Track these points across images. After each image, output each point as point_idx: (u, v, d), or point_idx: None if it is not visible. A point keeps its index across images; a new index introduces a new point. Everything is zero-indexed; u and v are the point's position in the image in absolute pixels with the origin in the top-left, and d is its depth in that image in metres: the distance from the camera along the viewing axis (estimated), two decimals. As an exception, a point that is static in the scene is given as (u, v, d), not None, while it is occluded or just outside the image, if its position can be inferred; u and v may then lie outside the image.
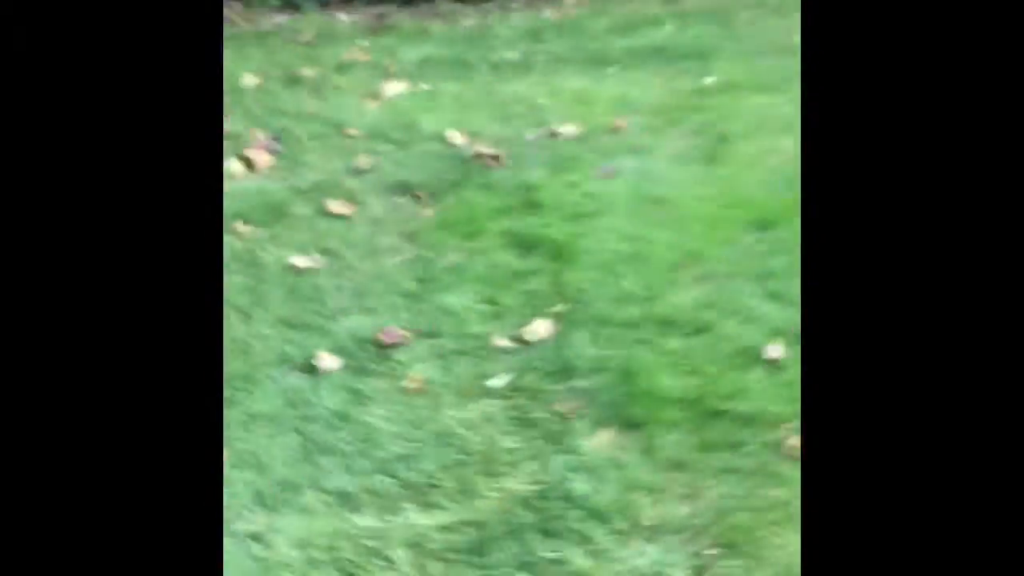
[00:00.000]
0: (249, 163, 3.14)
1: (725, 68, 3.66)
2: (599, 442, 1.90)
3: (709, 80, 3.57)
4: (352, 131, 3.36)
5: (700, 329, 2.20)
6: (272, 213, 2.83)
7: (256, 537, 1.71)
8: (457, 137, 3.26)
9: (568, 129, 3.26)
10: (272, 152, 3.23)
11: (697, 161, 2.98)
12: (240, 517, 1.75)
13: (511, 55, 4.01)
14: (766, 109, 3.29)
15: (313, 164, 3.15)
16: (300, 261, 2.57)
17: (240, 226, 2.75)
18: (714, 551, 1.64)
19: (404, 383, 2.09)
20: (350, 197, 2.91)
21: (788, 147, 3.01)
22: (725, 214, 2.66)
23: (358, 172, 3.07)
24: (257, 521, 1.74)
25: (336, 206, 2.85)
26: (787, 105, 3.30)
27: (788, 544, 1.63)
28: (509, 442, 1.91)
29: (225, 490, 1.79)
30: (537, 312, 2.30)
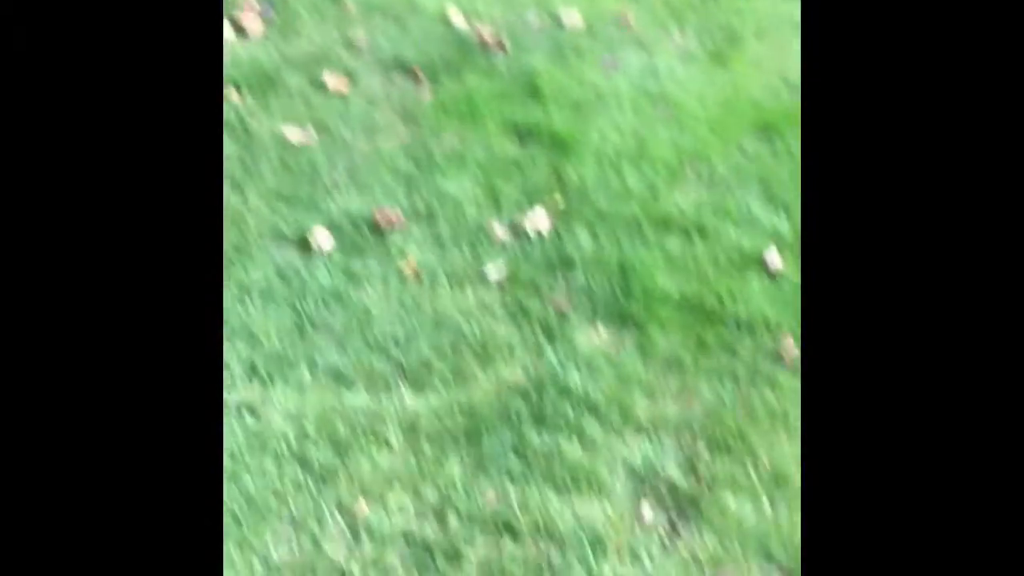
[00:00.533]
0: (240, 29, 3.01)
1: (736, -34, 3.55)
2: (594, 337, 1.90)
3: (719, -23, 3.46)
4: (347, 2, 3.23)
5: (700, 231, 2.18)
6: (264, 82, 2.73)
7: (249, 408, 1.70)
8: (457, 16, 3.14)
9: (572, 17, 3.16)
10: (264, 18, 3.10)
11: (703, 60, 2.91)
12: (233, 388, 1.73)
13: (515, -65, 3.85)
14: (775, 11, 3.20)
15: (307, 34, 3.03)
16: (293, 134, 2.50)
17: (232, 93, 2.66)
18: (705, 450, 1.66)
19: (399, 265, 2.06)
20: (345, 71, 2.81)
21: (797, 51, 2.94)
22: (729, 116, 2.61)
23: (354, 46, 2.96)
24: (250, 393, 1.73)
25: (331, 80, 2.75)
26: (799, 8, 3.22)
27: (778, 447, 1.66)
28: (504, 331, 1.90)
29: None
30: (536, 203, 2.27)
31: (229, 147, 2.42)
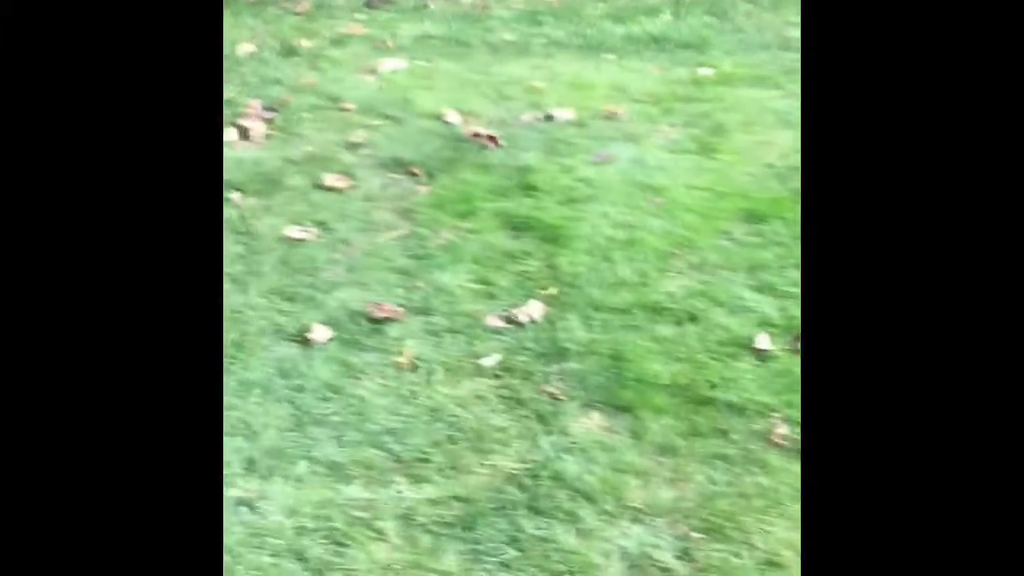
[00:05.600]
0: (244, 132, 3.13)
1: (721, 60, 3.69)
2: (588, 424, 1.92)
3: (705, 71, 3.59)
4: (348, 105, 3.35)
5: (691, 317, 2.22)
6: (267, 183, 2.83)
7: (246, 504, 1.72)
8: (453, 116, 3.26)
9: (564, 114, 3.27)
10: (267, 122, 3.22)
11: (691, 151, 3.00)
12: (231, 484, 1.76)
13: (509, 37, 4.01)
14: (761, 102, 3.32)
15: (308, 136, 3.15)
16: (294, 232, 2.57)
17: (235, 195, 2.75)
18: (699, 535, 1.67)
19: (396, 358, 2.10)
20: (345, 171, 2.91)
21: (782, 141, 3.04)
22: (717, 205, 2.69)
23: (353, 146, 3.07)
24: (248, 488, 1.75)
25: (331, 179, 2.85)
26: (782, 99, 3.34)
27: (772, 531, 1.67)
28: (499, 421, 1.93)
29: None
30: (530, 294, 2.32)
31: (233, 247, 2.49)
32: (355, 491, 1.76)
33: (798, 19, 4.06)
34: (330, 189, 2.81)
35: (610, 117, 3.24)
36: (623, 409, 1.96)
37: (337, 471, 1.80)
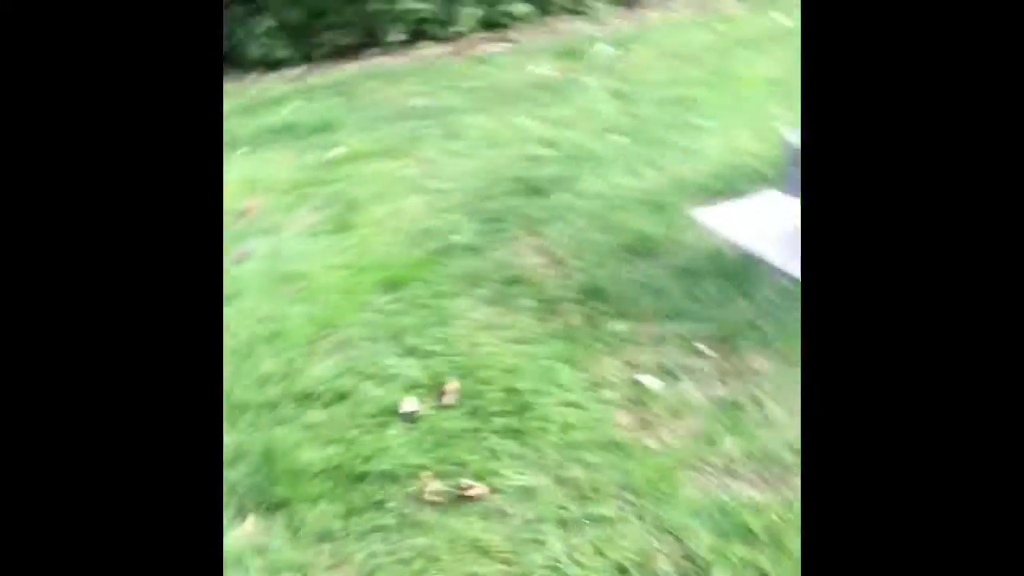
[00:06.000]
0: None
1: (350, 138, 3.78)
2: (242, 532, 1.85)
3: (336, 151, 3.66)
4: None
5: (340, 396, 2.22)
6: None
7: None
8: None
9: (197, 217, 3.19)
10: None
11: (328, 232, 3.04)
12: None
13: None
14: (390, 173, 3.43)
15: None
16: None
17: None
18: (363, 614, 1.66)
19: None
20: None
21: (412, 206, 3.15)
22: (357, 280, 2.73)
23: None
24: None
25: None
26: (409, 167, 3.47)
27: (431, 589, 1.69)
28: (147, 553, 1.82)
29: None
30: (172, 410, 2.21)
31: None
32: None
33: (416, 89, 4.26)
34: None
35: (244, 213, 3.20)
36: (278, 506, 1.91)
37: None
